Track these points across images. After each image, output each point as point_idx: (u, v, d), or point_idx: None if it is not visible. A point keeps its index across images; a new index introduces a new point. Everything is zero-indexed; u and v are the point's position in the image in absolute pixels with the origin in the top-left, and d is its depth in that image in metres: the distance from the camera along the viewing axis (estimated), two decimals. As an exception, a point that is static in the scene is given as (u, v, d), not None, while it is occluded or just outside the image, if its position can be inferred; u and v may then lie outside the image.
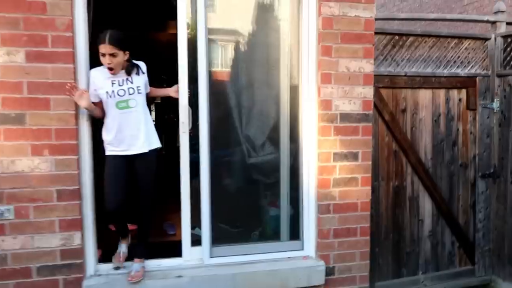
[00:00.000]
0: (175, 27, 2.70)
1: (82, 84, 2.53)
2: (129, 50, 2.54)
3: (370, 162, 2.96)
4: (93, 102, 2.51)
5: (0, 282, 2.44)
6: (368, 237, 3.01)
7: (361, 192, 2.95)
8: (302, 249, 3.00)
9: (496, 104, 3.57)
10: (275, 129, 3.07)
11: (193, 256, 2.86)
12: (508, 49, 3.48)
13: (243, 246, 2.95)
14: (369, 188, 2.98)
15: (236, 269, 2.80)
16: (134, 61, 2.62)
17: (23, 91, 2.39)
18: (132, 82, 2.57)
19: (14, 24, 2.35)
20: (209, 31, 2.76)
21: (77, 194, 2.51)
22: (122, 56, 2.49)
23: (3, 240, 2.43)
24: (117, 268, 2.69)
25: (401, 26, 5.55)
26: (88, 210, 2.59)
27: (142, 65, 2.66)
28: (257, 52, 3.03)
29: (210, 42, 2.80)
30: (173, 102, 2.88)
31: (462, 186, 3.61)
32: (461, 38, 3.48)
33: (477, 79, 3.54)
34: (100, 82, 2.52)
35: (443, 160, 3.53)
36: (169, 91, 2.78)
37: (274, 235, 3.10)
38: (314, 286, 2.90)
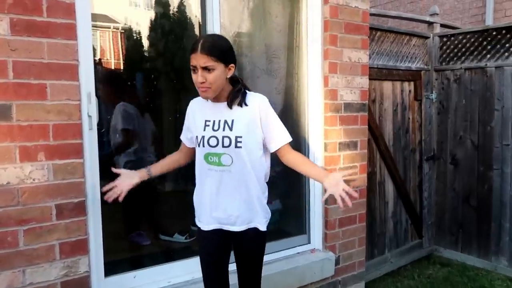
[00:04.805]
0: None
1: (84, 68, 1.97)
2: (235, 64, 1.71)
3: (366, 150, 3.06)
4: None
5: None
6: (364, 223, 3.12)
7: (360, 180, 3.04)
8: (309, 243, 2.94)
9: (434, 95, 4.08)
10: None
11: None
12: (444, 47, 4.00)
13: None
14: (365, 175, 3.08)
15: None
16: (246, 88, 1.77)
17: (8, 74, 1.74)
18: (231, 129, 1.68)
19: (-7, -19, 1.70)
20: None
21: (83, 208, 1.96)
22: (222, 71, 1.63)
23: (-21, 281, 1.75)
24: None
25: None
26: (96, 227, 2.05)
27: (256, 97, 1.74)
28: (257, 39, 2.83)
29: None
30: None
31: (412, 169, 4.02)
32: (411, 35, 3.86)
33: (422, 72, 3.99)
34: (194, 121, 1.78)
35: (400, 146, 3.87)
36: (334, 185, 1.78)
37: (281, 232, 2.95)
38: (325, 278, 2.87)
